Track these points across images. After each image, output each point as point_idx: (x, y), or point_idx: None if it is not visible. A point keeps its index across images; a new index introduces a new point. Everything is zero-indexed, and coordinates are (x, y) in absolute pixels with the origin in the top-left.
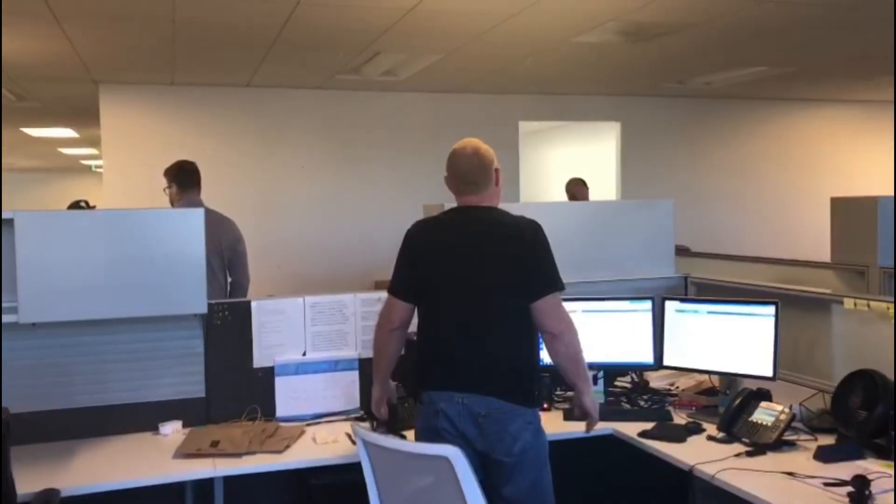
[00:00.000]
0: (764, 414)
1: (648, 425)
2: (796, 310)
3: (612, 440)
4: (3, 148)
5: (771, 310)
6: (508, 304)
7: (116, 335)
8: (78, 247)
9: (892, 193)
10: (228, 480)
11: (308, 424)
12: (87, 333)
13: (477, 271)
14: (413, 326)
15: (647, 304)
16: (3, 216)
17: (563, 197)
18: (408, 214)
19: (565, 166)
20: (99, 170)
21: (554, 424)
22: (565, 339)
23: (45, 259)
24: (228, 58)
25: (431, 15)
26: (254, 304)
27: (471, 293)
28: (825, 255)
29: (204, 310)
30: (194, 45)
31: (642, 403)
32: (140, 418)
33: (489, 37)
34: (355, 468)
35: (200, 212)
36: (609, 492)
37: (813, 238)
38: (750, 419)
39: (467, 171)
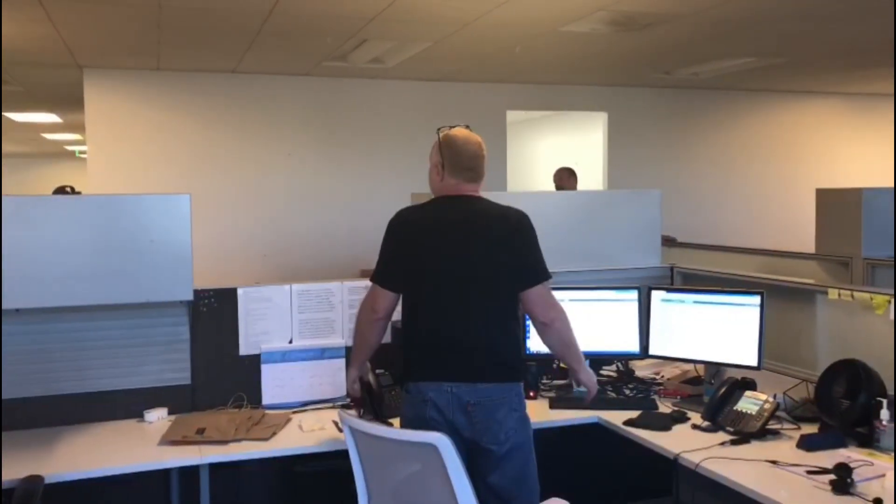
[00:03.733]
0: (748, 403)
1: (634, 414)
2: (781, 300)
3: (598, 428)
4: None
5: (756, 300)
6: (496, 294)
7: (101, 321)
8: (63, 232)
9: (877, 185)
10: (214, 468)
11: (294, 412)
12: (72, 319)
13: (465, 261)
14: (396, 315)
15: (634, 294)
16: None
17: (550, 186)
18: (394, 203)
19: (552, 156)
20: (83, 155)
21: (540, 413)
22: (556, 326)
23: (30, 244)
24: (215, 43)
25: (420, 2)
26: (240, 292)
27: (458, 283)
28: (809, 245)
29: (190, 297)
30: (180, 31)
31: (628, 392)
32: (125, 405)
33: (478, 25)
34: (341, 456)
35: (187, 198)
36: (594, 480)
37: (797, 229)
38: (734, 408)
39: (471, 161)
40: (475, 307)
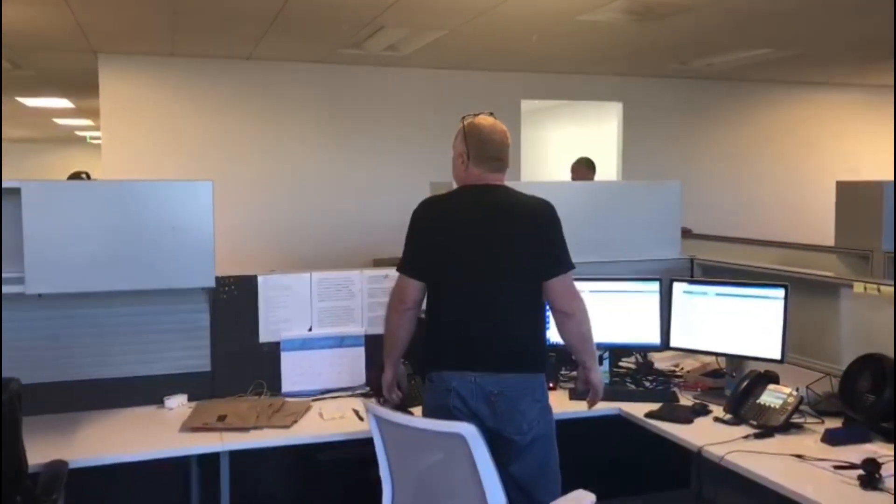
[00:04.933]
0: (772, 396)
1: (654, 406)
2: (803, 293)
3: (618, 420)
4: None
5: (780, 293)
6: (521, 283)
7: (122, 307)
8: (86, 218)
9: (894, 179)
10: (234, 455)
11: (314, 400)
12: (93, 305)
13: (490, 251)
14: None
15: (655, 286)
16: (9, 185)
17: (563, 175)
18: (408, 191)
19: (566, 146)
20: (94, 141)
21: (560, 403)
22: (577, 317)
23: (52, 229)
24: (231, 30)
25: None
26: (260, 279)
27: (483, 273)
28: (825, 238)
29: (212, 284)
30: (196, 16)
31: (647, 384)
32: (145, 391)
33: (495, 13)
34: (361, 444)
35: (209, 185)
36: (613, 471)
37: (813, 221)
38: (757, 401)
39: (497, 150)
40: (500, 297)
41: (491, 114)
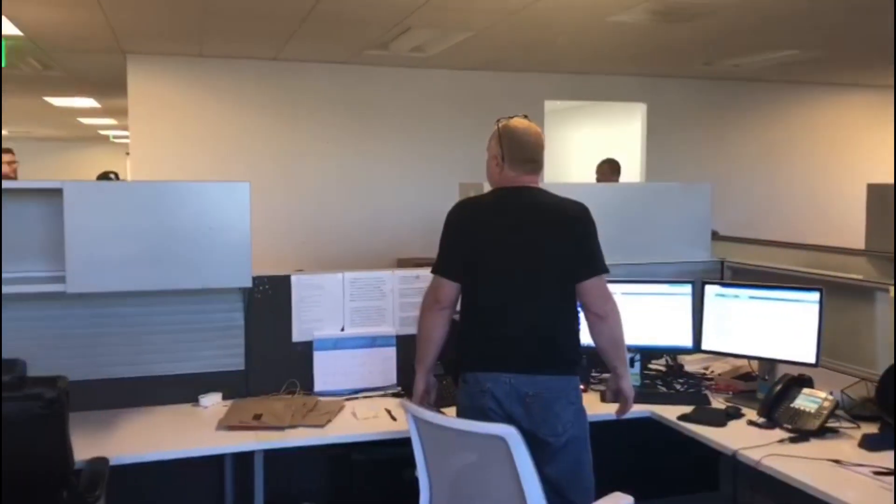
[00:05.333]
0: (806, 400)
1: (686, 409)
2: (835, 296)
3: (649, 423)
4: (17, 117)
5: (815, 296)
6: (555, 286)
7: (158, 306)
8: (125, 218)
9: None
10: (267, 454)
11: (346, 399)
12: (131, 304)
13: (525, 252)
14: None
15: (687, 288)
16: (51, 186)
17: (585, 177)
18: (431, 191)
19: (589, 146)
20: (118, 140)
21: (591, 406)
22: (610, 321)
23: (93, 229)
24: (259, 30)
25: None
26: (294, 279)
27: (518, 274)
28: (854, 241)
29: (248, 283)
30: (226, 17)
31: (678, 387)
32: (180, 390)
33: (523, 14)
34: (395, 444)
35: (247, 185)
36: (637, 473)
37: (841, 224)
38: (792, 405)
39: (532, 152)
40: (534, 298)
41: (525, 116)
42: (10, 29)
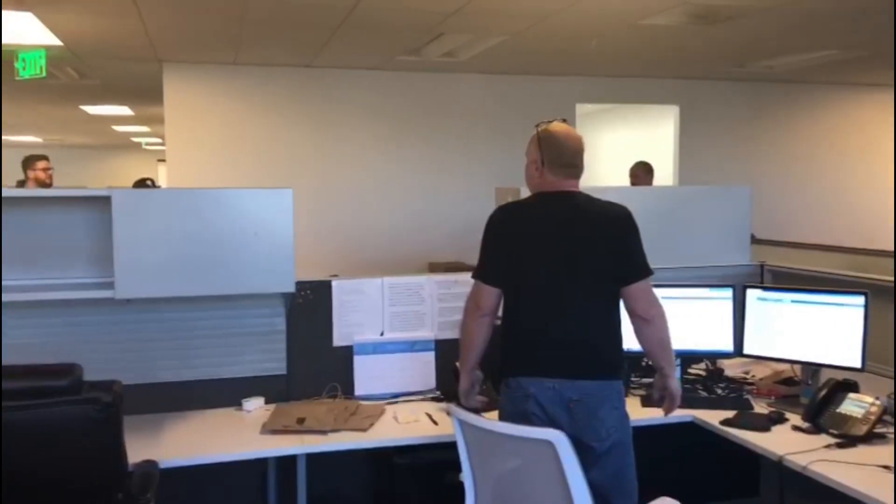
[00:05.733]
0: (853, 405)
1: (728, 413)
2: (878, 299)
3: (690, 427)
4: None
5: (860, 300)
6: (598, 290)
7: (203, 311)
8: (172, 225)
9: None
10: (310, 457)
11: (387, 404)
12: (176, 309)
13: (567, 257)
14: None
15: (728, 292)
16: (99, 194)
17: (617, 179)
18: (463, 195)
19: (621, 149)
20: (150, 147)
21: (631, 411)
22: (657, 323)
23: (140, 237)
24: (295, 38)
25: None
26: (334, 284)
27: (561, 279)
28: (887, 243)
29: (292, 289)
30: (263, 25)
31: (719, 391)
32: (223, 394)
33: (557, 18)
34: (436, 448)
35: (290, 192)
36: (678, 478)
37: (875, 226)
38: (837, 410)
39: (573, 157)
40: (577, 303)
41: (564, 120)
42: (49, 38)
